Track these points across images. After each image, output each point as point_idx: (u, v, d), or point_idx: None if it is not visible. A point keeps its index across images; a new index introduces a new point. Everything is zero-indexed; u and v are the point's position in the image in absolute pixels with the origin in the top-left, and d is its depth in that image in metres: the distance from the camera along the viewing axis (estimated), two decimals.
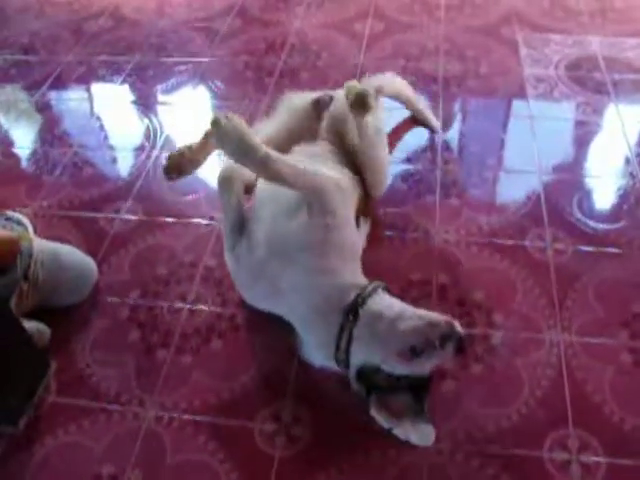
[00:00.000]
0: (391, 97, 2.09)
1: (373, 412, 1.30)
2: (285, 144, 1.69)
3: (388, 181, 1.84)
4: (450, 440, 1.39)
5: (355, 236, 1.50)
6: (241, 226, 1.49)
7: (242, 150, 1.31)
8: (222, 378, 1.53)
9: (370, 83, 1.82)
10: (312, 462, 1.38)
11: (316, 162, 1.54)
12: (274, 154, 1.34)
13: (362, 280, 1.42)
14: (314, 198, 1.39)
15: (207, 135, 1.64)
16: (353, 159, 1.69)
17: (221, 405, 1.48)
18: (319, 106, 1.78)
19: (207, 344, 1.60)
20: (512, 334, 1.57)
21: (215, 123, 1.31)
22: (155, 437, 1.43)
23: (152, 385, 1.53)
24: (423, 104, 2.19)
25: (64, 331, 1.64)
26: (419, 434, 1.29)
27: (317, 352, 1.41)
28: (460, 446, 1.38)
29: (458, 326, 1.26)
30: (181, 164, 1.62)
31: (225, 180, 1.50)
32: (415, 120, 2.17)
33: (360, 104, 1.58)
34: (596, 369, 1.49)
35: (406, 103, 2.15)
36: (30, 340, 1.51)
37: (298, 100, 1.83)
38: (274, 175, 1.35)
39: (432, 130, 2.15)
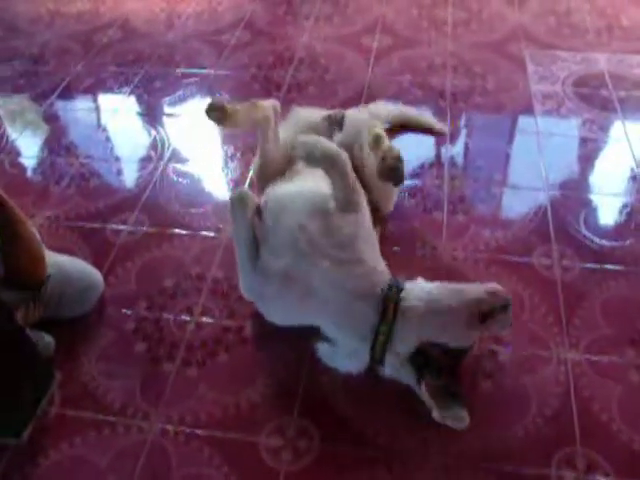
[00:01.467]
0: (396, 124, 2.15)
1: (425, 396, 1.37)
2: (286, 158, 1.72)
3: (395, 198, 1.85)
4: (457, 456, 1.38)
5: (372, 230, 1.56)
6: (257, 247, 1.50)
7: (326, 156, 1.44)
8: (228, 392, 1.52)
9: (374, 113, 1.88)
10: (318, 476, 1.37)
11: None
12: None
13: (384, 267, 1.49)
14: (350, 196, 1.46)
15: (253, 104, 1.68)
16: (360, 176, 1.69)
17: (227, 419, 1.47)
18: (330, 122, 1.79)
19: (213, 357, 1.60)
20: (520, 351, 1.57)
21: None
22: (160, 450, 1.43)
23: (158, 398, 1.52)
24: (420, 113, 2.23)
25: (69, 342, 1.64)
26: (456, 418, 1.36)
27: (349, 350, 1.44)
28: (468, 462, 1.37)
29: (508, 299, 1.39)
30: (224, 108, 1.65)
31: (240, 202, 1.50)
32: (421, 130, 2.20)
33: (376, 143, 1.60)
34: (604, 387, 1.48)
35: (409, 121, 2.18)
36: (35, 351, 1.50)
37: (307, 115, 1.84)
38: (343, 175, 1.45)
39: (441, 133, 2.18)
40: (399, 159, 1.53)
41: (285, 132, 1.81)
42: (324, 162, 1.45)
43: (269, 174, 1.72)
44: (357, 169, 1.69)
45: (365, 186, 1.67)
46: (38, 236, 1.59)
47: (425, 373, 1.38)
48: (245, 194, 1.52)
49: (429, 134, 2.20)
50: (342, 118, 1.80)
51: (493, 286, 1.41)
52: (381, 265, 1.48)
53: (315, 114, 1.85)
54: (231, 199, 1.52)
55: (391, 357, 1.39)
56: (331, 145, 1.48)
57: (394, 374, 1.43)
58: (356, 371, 1.46)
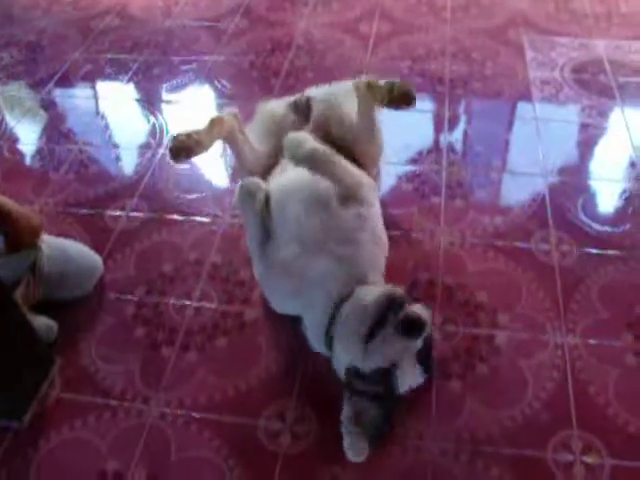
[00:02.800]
0: None
1: (344, 411, 1.33)
2: (271, 152, 1.70)
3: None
4: (455, 440, 1.39)
5: (383, 234, 1.52)
6: (267, 235, 1.48)
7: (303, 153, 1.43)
8: (227, 375, 1.53)
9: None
10: (316, 460, 1.38)
11: None
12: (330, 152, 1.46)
13: (380, 278, 1.44)
14: (351, 190, 1.44)
15: (213, 122, 1.61)
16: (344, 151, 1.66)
17: (226, 402, 1.48)
18: (297, 108, 1.76)
19: (212, 341, 1.60)
20: (517, 335, 1.57)
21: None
22: (160, 433, 1.44)
23: (157, 382, 1.53)
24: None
25: (70, 327, 1.64)
26: (355, 449, 1.30)
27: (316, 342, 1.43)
28: (465, 446, 1.38)
29: (399, 292, 1.26)
30: (189, 146, 1.55)
31: (248, 193, 1.48)
32: None
33: (371, 86, 1.57)
34: (600, 371, 1.49)
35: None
36: (35, 335, 1.51)
37: (273, 106, 1.80)
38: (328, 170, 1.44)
39: None
40: (406, 82, 1.52)
41: (254, 131, 1.75)
42: (308, 164, 1.44)
43: (257, 173, 1.68)
44: (339, 144, 1.66)
45: (349, 154, 1.64)
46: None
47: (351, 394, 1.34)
48: (254, 184, 1.49)
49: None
50: (308, 101, 1.76)
51: (385, 291, 1.29)
52: (375, 273, 1.43)
53: (280, 104, 1.80)
54: (240, 189, 1.49)
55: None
56: (305, 143, 1.45)
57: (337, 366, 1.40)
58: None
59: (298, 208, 1.44)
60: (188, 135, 1.54)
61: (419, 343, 1.27)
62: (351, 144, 1.67)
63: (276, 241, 1.45)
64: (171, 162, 1.63)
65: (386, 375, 1.27)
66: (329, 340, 1.35)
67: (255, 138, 1.72)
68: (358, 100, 1.62)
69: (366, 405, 1.32)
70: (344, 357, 1.32)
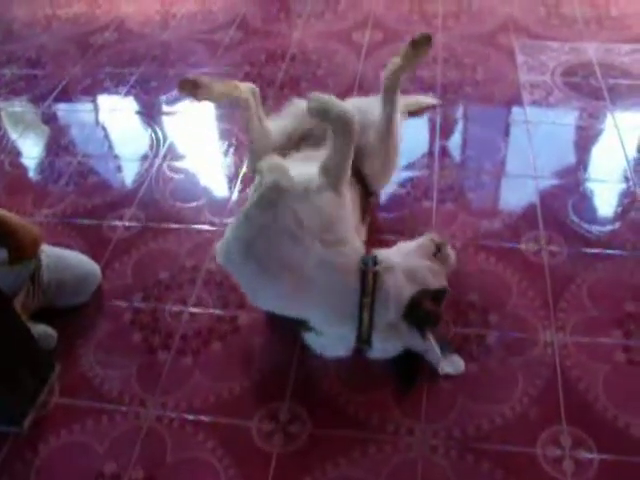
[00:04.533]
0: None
1: (435, 346, 1.46)
2: (287, 145, 1.74)
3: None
4: (445, 437, 1.41)
5: (351, 211, 1.58)
6: None
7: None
8: (222, 379, 1.56)
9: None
10: (309, 458, 1.40)
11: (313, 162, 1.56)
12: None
13: (361, 244, 1.53)
14: (341, 171, 1.47)
15: (228, 82, 1.71)
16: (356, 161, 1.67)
17: (220, 405, 1.51)
18: None
19: (207, 346, 1.64)
20: (507, 334, 1.60)
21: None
22: (156, 436, 1.47)
23: (153, 386, 1.56)
24: (410, 98, 2.26)
25: (68, 334, 1.68)
26: (453, 364, 1.51)
27: (335, 336, 1.48)
28: (455, 443, 1.40)
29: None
30: (197, 83, 1.65)
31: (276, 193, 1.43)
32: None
33: (426, 41, 1.72)
34: (590, 368, 1.51)
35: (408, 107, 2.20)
36: (35, 342, 1.55)
37: (303, 105, 1.85)
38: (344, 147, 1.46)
39: (434, 106, 2.27)
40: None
41: (284, 120, 1.81)
42: (336, 123, 1.43)
43: (262, 153, 1.69)
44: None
45: (364, 163, 1.69)
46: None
47: (425, 326, 1.44)
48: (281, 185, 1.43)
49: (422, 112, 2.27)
50: None
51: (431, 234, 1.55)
52: (358, 242, 1.51)
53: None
54: (267, 189, 1.41)
55: (377, 333, 1.42)
56: (349, 108, 1.46)
57: (382, 351, 1.47)
58: (343, 355, 1.50)
59: (288, 203, 1.42)
60: (202, 77, 1.67)
61: None
62: (364, 155, 1.69)
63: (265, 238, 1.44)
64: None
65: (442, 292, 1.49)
66: (370, 301, 1.41)
67: (284, 125, 1.78)
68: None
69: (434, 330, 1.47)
70: (404, 293, 1.42)
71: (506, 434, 1.41)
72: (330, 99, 1.45)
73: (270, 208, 1.38)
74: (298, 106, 1.85)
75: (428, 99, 2.30)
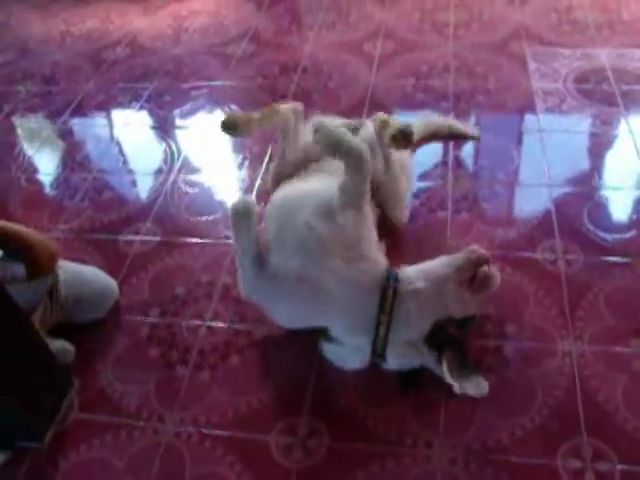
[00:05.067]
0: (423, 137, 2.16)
1: (446, 372, 1.42)
2: (303, 162, 1.75)
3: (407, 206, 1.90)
4: (464, 449, 1.41)
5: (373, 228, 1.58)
6: (261, 253, 1.52)
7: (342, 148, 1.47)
8: (239, 393, 1.57)
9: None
10: (328, 473, 1.40)
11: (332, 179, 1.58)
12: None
13: (383, 259, 1.53)
14: (359, 196, 1.48)
15: (269, 111, 1.72)
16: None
17: (239, 419, 1.51)
18: (348, 129, 1.80)
19: (225, 360, 1.64)
20: (525, 345, 1.59)
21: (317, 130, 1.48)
22: (175, 451, 1.47)
23: (172, 401, 1.57)
24: (449, 120, 2.26)
25: (86, 349, 1.69)
26: (477, 387, 1.46)
27: (352, 347, 1.48)
28: (474, 455, 1.40)
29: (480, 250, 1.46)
30: (236, 123, 1.72)
31: (242, 214, 1.52)
32: (452, 136, 2.23)
33: (404, 138, 1.64)
34: (609, 378, 1.50)
35: (440, 130, 2.21)
36: (53, 358, 1.56)
37: (327, 120, 1.84)
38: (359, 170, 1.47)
39: (473, 138, 2.22)
40: (407, 125, 1.64)
41: (302, 138, 1.82)
42: (347, 157, 1.46)
43: (285, 175, 1.74)
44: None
45: (378, 197, 1.71)
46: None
47: (445, 350, 1.43)
48: (248, 203, 1.54)
49: (461, 139, 2.23)
50: (357, 129, 1.83)
51: (471, 248, 1.47)
52: (381, 258, 1.52)
53: (335, 121, 1.84)
54: (233, 209, 1.53)
55: (393, 348, 1.43)
56: (357, 141, 1.49)
57: (397, 365, 1.47)
58: (360, 366, 1.50)
59: (303, 218, 1.47)
60: (239, 115, 1.75)
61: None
62: (380, 182, 1.72)
63: (278, 257, 1.48)
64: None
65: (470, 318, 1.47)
66: (387, 319, 1.41)
67: (302, 143, 1.79)
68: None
69: (455, 352, 1.45)
70: (426, 321, 1.42)
71: (526, 446, 1.40)
72: (337, 132, 1.47)
73: (242, 227, 1.50)
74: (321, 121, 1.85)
75: (470, 129, 2.25)
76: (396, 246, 1.82)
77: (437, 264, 1.48)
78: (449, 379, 1.42)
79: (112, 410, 1.57)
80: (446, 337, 1.43)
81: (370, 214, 1.57)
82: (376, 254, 1.51)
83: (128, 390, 1.61)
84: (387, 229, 1.72)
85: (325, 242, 1.44)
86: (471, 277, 1.45)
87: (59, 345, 1.63)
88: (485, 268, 1.45)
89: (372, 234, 1.55)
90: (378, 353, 1.44)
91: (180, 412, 1.54)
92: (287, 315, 1.57)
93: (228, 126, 1.72)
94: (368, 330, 1.42)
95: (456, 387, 1.42)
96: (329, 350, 1.53)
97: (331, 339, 1.50)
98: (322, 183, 1.60)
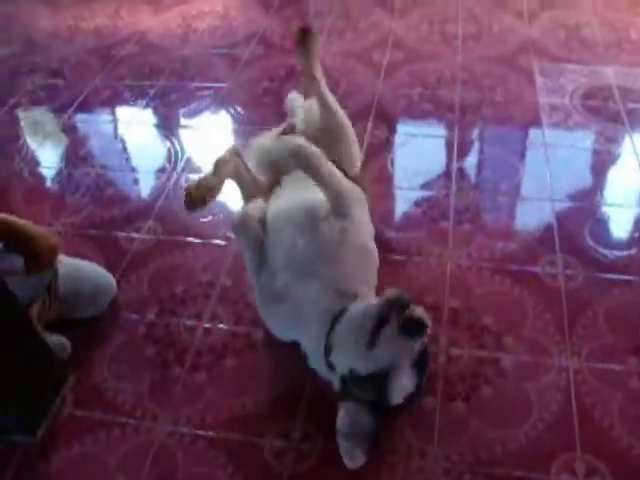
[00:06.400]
0: None
1: (339, 420, 1.34)
2: (269, 181, 1.72)
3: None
4: (458, 460, 1.40)
5: (371, 246, 1.53)
6: (261, 264, 1.51)
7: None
8: (235, 395, 1.56)
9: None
10: (320, 479, 1.40)
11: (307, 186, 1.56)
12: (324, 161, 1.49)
13: (371, 293, 1.46)
14: (334, 201, 1.46)
15: (218, 165, 1.63)
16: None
17: (233, 421, 1.51)
18: (286, 134, 1.79)
19: (221, 361, 1.64)
20: (522, 358, 1.59)
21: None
22: (167, 451, 1.47)
23: (166, 400, 1.56)
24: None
25: (83, 345, 1.69)
26: (351, 456, 1.33)
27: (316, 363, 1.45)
28: (468, 467, 1.39)
29: (404, 294, 1.25)
30: (202, 196, 1.57)
31: (241, 225, 1.51)
32: None
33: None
34: (605, 394, 1.50)
35: None
36: (49, 352, 1.55)
37: (262, 140, 1.83)
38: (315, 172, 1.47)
39: None
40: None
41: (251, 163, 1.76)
42: (295, 161, 1.48)
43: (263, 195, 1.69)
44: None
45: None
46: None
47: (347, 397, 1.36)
48: (245, 219, 1.51)
49: None
50: (293, 128, 1.82)
51: (387, 293, 1.29)
52: (363, 288, 1.45)
53: (270, 135, 1.84)
54: (232, 222, 1.53)
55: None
56: (294, 141, 1.50)
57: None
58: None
59: (292, 233, 1.46)
60: (198, 185, 1.57)
61: (417, 346, 1.27)
62: (327, 144, 1.66)
63: (270, 269, 1.47)
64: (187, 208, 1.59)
65: (383, 378, 1.27)
66: (328, 357, 1.36)
67: (253, 175, 1.73)
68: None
69: (360, 412, 1.33)
70: (343, 363, 1.33)
71: (520, 460, 1.40)
72: (278, 145, 1.54)
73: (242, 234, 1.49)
74: (256, 144, 1.83)
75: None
76: (394, 254, 1.85)
77: (360, 312, 1.33)
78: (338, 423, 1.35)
79: (106, 407, 1.56)
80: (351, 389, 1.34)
81: (365, 224, 1.55)
82: (362, 278, 1.46)
83: (123, 388, 1.60)
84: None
85: (306, 259, 1.42)
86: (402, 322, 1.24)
87: (56, 340, 1.62)
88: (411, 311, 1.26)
89: (363, 250, 1.50)
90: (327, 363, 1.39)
91: (174, 412, 1.54)
92: (277, 331, 1.57)
93: (195, 202, 1.56)
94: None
95: (341, 443, 1.34)
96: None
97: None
98: (305, 191, 1.56)
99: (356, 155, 1.83)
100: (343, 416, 1.35)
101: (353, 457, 1.32)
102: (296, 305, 1.42)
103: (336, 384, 1.38)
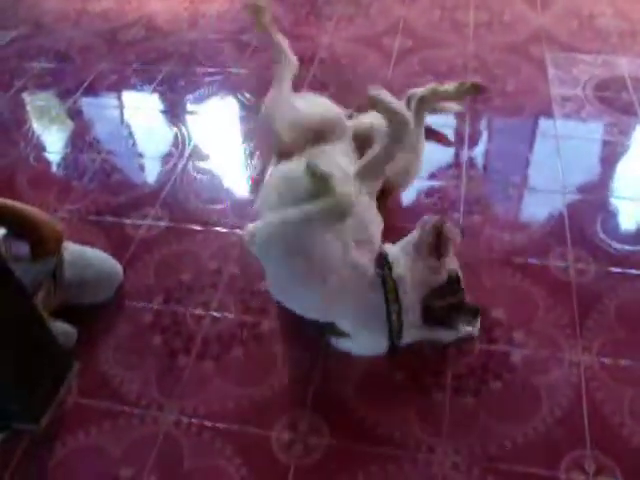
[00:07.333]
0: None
1: (465, 330, 1.52)
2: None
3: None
4: (467, 455, 1.39)
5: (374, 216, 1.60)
6: None
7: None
8: (242, 385, 1.55)
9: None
10: (327, 472, 1.38)
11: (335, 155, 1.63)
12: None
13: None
14: (379, 168, 1.58)
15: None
16: None
17: (239, 412, 1.50)
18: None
19: (228, 351, 1.62)
20: (532, 353, 1.57)
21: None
22: (173, 441, 1.46)
23: (172, 390, 1.55)
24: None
25: (89, 333, 1.67)
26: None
27: (366, 338, 1.49)
28: (477, 461, 1.38)
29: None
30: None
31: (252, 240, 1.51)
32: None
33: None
34: (615, 390, 1.48)
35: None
36: (55, 339, 1.54)
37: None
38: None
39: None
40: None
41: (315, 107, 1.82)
42: (395, 121, 1.54)
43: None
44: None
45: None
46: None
47: (452, 317, 1.47)
48: (251, 234, 1.50)
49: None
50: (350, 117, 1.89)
51: (421, 222, 1.52)
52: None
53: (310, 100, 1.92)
54: (244, 239, 1.53)
55: (409, 332, 1.45)
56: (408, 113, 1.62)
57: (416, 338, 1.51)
58: (380, 353, 1.51)
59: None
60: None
61: None
62: None
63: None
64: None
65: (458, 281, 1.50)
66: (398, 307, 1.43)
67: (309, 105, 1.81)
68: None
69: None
70: (419, 290, 1.45)
71: (529, 455, 1.39)
72: (393, 99, 1.55)
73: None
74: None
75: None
76: None
77: (402, 247, 1.52)
78: (475, 332, 1.55)
79: (111, 396, 1.55)
80: (439, 311, 1.45)
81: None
82: (378, 239, 1.55)
83: (129, 377, 1.59)
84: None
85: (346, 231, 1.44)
86: (435, 245, 1.48)
87: (61, 327, 1.61)
88: (444, 232, 1.49)
89: (378, 219, 1.59)
90: (396, 338, 1.45)
91: (180, 402, 1.53)
92: (298, 302, 1.53)
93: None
94: (380, 321, 1.43)
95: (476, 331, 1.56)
96: (343, 343, 1.52)
97: (340, 334, 1.49)
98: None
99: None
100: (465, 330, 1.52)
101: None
102: (339, 275, 1.42)
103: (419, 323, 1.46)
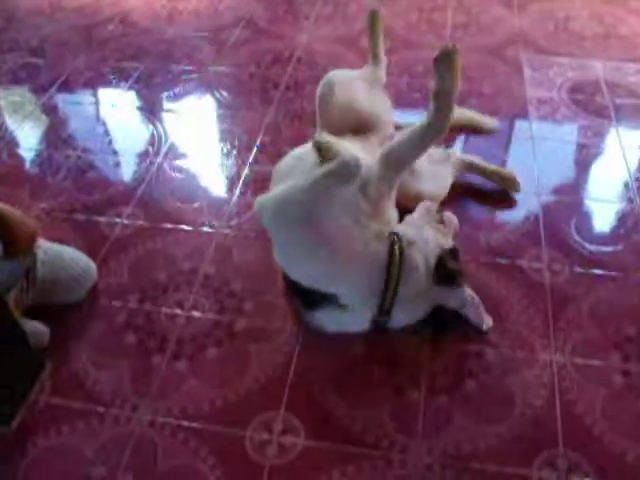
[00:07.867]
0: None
1: (470, 293, 1.58)
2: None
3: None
4: (440, 455, 1.39)
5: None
6: None
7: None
8: (216, 385, 1.54)
9: None
10: (302, 472, 1.38)
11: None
12: None
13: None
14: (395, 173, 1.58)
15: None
16: None
17: (214, 412, 1.49)
18: None
19: (203, 351, 1.61)
20: (506, 352, 1.58)
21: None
22: (147, 442, 1.44)
23: (146, 390, 1.54)
24: (467, 112, 2.25)
25: (61, 332, 1.65)
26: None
27: (359, 308, 1.51)
28: (450, 462, 1.38)
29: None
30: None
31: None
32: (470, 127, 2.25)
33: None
34: (588, 390, 1.50)
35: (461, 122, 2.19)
36: (26, 339, 1.51)
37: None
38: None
39: (490, 130, 2.24)
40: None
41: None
42: (443, 107, 1.55)
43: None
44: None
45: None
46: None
47: (456, 279, 1.53)
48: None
49: (478, 131, 2.25)
50: None
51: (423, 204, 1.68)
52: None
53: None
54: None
55: (401, 304, 1.49)
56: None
57: (402, 322, 1.54)
58: (359, 330, 1.55)
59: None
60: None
61: None
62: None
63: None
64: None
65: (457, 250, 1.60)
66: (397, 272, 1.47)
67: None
68: None
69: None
70: (434, 250, 1.53)
71: (502, 455, 1.39)
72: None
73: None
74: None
75: (487, 120, 2.26)
76: None
77: (412, 217, 1.65)
78: (477, 300, 1.58)
79: (85, 396, 1.53)
80: (450, 269, 1.52)
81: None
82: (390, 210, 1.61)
83: (102, 376, 1.57)
84: None
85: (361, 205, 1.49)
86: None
87: (33, 327, 1.58)
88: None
89: (394, 213, 1.64)
90: (386, 310, 1.48)
91: (154, 402, 1.51)
92: (307, 270, 1.53)
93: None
94: (379, 289, 1.47)
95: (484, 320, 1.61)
96: (323, 318, 1.54)
97: (335, 304, 1.51)
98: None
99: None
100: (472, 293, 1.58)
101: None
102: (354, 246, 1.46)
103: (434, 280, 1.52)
